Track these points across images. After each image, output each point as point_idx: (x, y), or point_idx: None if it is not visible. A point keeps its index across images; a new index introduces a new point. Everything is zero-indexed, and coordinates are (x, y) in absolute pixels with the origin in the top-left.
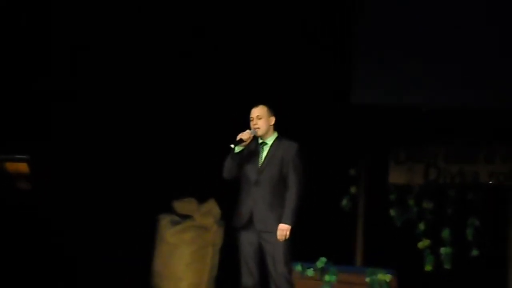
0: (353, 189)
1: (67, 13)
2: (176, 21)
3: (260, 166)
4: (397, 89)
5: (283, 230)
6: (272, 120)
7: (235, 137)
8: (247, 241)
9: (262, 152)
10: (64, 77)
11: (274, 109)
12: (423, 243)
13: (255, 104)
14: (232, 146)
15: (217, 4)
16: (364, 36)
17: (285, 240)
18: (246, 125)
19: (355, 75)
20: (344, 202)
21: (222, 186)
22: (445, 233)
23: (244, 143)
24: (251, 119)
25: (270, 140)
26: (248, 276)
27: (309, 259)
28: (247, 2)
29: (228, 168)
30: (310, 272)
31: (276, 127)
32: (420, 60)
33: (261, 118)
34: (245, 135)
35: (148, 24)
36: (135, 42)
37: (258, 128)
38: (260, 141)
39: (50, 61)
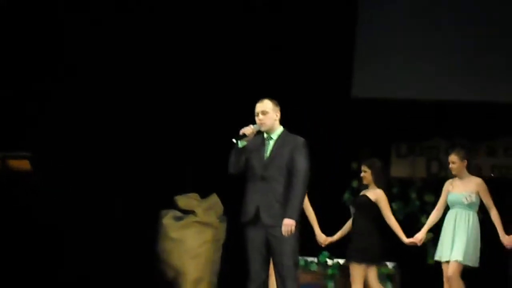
0: (354, 183)
1: (68, 13)
2: (182, 17)
3: (266, 160)
4: (398, 83)
5: (288, 225)
6: (278, 114)
7: (239, 132)
8: (254, 236)
9: (268, 147)
10: (67, 74)
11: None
12: (426, 236)
13: (259, 99)
14: (234, 140)
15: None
16: (365, 31)
17: (291, 234)
18: (251, 119)
19: (356, 69)
20: (346, 196)
21: (225, 181)
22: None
23: (247, 138)
24: (256, 114)
25: (275, 135)
26: (256, 272)
27: (311, 253)
28: None
29: (233, 163)
30: (313, 266)
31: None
32: (421, 54)
33: (266, 113)
34: (247, 130)
35: (154, 18)
36: (139, 36)
37: (264, 123)
38: (265, 135)
39: (52, 60)
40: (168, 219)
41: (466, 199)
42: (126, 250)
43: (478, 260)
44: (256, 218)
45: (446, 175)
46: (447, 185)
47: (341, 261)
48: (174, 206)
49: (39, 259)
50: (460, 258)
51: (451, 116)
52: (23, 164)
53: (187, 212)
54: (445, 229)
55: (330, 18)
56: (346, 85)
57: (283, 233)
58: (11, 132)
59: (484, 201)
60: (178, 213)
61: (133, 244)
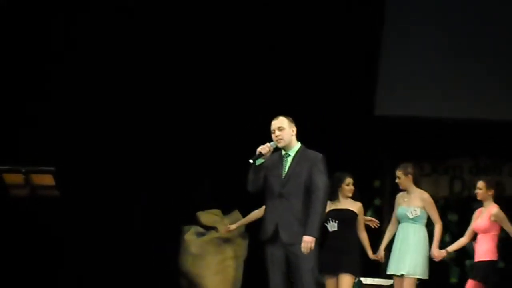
0: (377, 201)
1: (69, 14)
2: (193, 32)
3: (284, 178)
4: (422, 101)
5: (308, 242)
6: (294, 130)
7: (258, 148)
8: (274, 253)
9: (286, 164)
10: (89, 88)
11: (299, 122)
12: (449, 255)
13: (275, 116)
14: (251, 161)
15: (249, 12)
16: (388, 49)
17: (310, 251)
18: (271, 135)
19: (379, 87)
20: (369, 214)
21: (247, 197)
22: (470, 246)
23: (264, 156)
24: (272, 131)
25: (293, 152)
26: None
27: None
28: (271, 11)
29: (251, 181)
30: None
31: (301, 139)
32: (446, 73)
33: (282, 130)
34: (264, 149)
35: (169, 37)
36: (154, 56)
37: (281, 139)
38: (283, 152)
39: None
40: (190, 235)
41: (411, 213)
42: (148, 266)
43: (427, 272)
44: (275, 236)
45: (469, 194)
46: (398, 199)
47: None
48: (196, 222)
49: (62, 273)
50: (411, 271)
51: (474, 135)
52: (47, 179)
53: (209, 228)
54: (394, 243)
55: (355, 36)
56: (369, 103)
57: (303, 250)
58: (33, 147)
59: (430, 215)
60: (200, 229)
61: (155, 260)
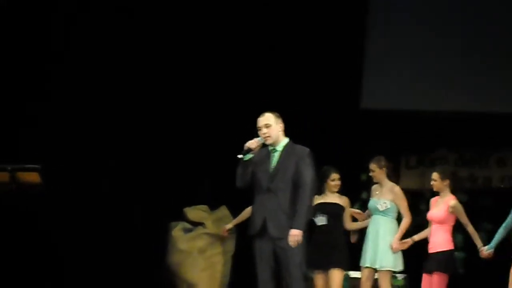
0: (364, 195)
1: (69, 14)
2: (187, 30)
3: (271, 172)
4: (407, 94)
5: (295, 235)
6: (281, 126)
7: (246, 143)
8: (262, 248)
9: (273, 159)
10: (82, 86)
11: (285, 117)
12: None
13: (263, 112)
14: (240, 156)
15: (233, 10)
16: (374, 43)
17: (298, 245)
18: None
19: (365, 81)
20: (356, 207)
21: (234, 193)
22: (458, 238)
23: (252, 151)
24: (258, 128)
25: (280, 147)
26: (265, 283)
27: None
28: (260, 6)
29: (240, 176)
30: None
31: (287, 134)
32: (430, 66)
33: (269, 126)
34: (253, 144)
35: (166, 39)
36: (153, 56)
37: (269, 136)
38: (270, 148)
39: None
40: (177, 231)
41: (381, 205)
42: (136, 262)
43: (400, 264)
44: (263, 230)
45: (456, 186)
46: (372, 191)
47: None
48: (184, 218)
49: (50, 272)
50: (383, 264)
51: (460, 127)
52: (33, 177)
53: (196, 224)
54: (366, 235)
55: (340, 29)
56: (355, 96)
57: (290, 243)
58: (20, 144)
59: (399, 208)
60: (188, 225)
61: (143, 256)
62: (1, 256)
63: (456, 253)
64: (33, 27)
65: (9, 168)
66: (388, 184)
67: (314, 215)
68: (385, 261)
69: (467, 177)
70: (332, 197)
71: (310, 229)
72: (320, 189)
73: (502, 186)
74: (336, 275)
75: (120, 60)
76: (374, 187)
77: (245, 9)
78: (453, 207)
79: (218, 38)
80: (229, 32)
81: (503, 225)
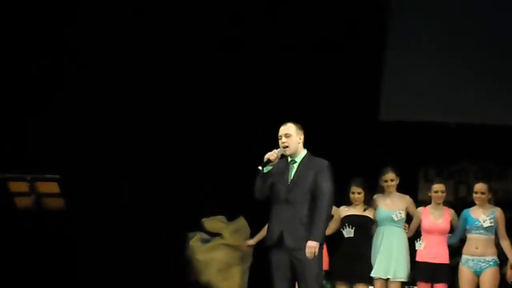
0: None
1: (69, 14)
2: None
3: (290, 184)
4: (427, 106)
5: (312, 247)
6: (301, 138)
7: (266, 155)
8: (279, 259)
9: (291, 170)
10: (99, 98)
11: (304, 127)
12: (456, 260)
13: (284, 122)
14: (260, 167)
15: (254, 18)
16: (393, 54)
17: (315, 256)
18: (277, 143)
19: (384, 93)
20: None
21: (253, 204)
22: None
23: (272, 163)
24: (279, 137)
25: (299, 158)
26: None
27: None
28: (278, 16)
29: (258, 188)
30: None
31: (306, 145)
32: (450, 78)
33: (289, 136)
34: (272, 155)
35: (184, 46)
36: (161, 57)
37: (287, 146)
38: (289, 159)
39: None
40: (195, 241)
41: (396, 215)
42: (153, 271)
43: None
44: (280, 241)
45: None
46: (378, 201)
47: None
48: (201, 229)
49: (69, 282)
50: (402, 276)
51: (479, 140)
52: (52, 187)
53: (214, 235)
54: (376, 246)
55: (359, 41)
56: (375, 108)
57: (307, 255)
58: (39, 154)
59: (412, 214)
60: (205, 236)
61: (160, 265)
62: (21, 266)
63: None
64: (34, 30)
65: (28, 178)
66: (397, 194)
67: (342, 226)
68: (400, 272)
69: None
70: (360, 209)
71: (338, 241)
72: (347, 201)
73: None
74: None
75: (124, 64)
76: (377, 197)
77: (265, 17)
78: (455, 218)
79: (234, 46)
80: (245, 35)
81: None
